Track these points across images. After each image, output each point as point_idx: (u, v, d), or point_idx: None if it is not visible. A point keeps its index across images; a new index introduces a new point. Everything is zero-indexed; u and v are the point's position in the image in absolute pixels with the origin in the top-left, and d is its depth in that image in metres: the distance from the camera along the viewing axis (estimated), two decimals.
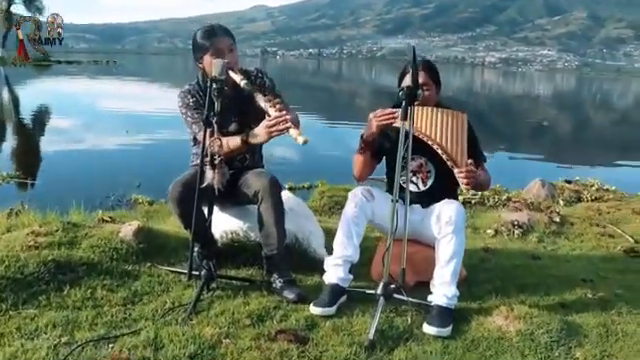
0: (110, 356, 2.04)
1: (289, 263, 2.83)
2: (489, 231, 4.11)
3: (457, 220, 2.53)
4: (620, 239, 4.18)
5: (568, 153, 12.80)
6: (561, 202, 5.08)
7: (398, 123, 2.50)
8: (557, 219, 4.35)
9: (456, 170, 2.56)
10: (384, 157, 2.91)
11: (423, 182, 2.84)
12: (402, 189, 2.60)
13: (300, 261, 3.05)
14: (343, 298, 2.62)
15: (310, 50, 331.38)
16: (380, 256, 2.87)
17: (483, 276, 3.13)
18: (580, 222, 4.45)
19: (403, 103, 2.41)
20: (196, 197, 2.51)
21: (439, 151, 2.57)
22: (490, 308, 2.64)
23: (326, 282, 2.65)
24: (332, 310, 2.51)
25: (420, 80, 2.68)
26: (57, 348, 2.07)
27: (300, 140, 2.30)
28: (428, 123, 2.58)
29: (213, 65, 2.51)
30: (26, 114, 14.54)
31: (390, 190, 2.89)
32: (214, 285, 2.67)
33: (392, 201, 2.43)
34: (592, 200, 5.20)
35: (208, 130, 2.47)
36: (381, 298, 2.45)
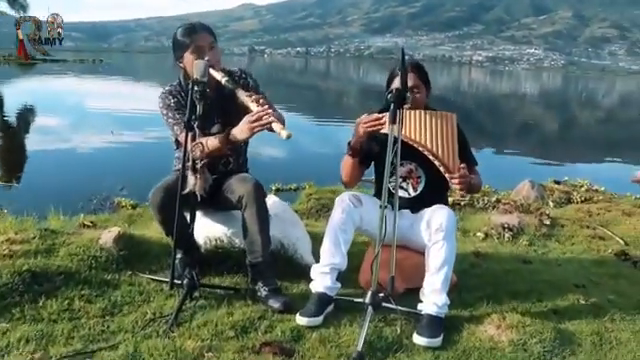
0: None
1: (274, 271, 2.74)
2: (479, 234, 4.04)
3: (448, 226, 2.46)
4: (611, 241, 4.13)
5: (555, 151, 12.80)
6: (551, 203, 5.04)
7: (386, 129, 2.42)
8: (547, 221, 4.29)
9: (449, 176, 2.48)
10: (373, 162, 2.83)
11: (413, 188, 2.76)
12: (391, 194, 2.52)
13: (286, 268, 2.96)
14: (330, 307, 2.54)
15: (298, 49, 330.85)
16: (368, 263, 2.80)
17: (474, 282, 3.06)
18: (570, 224, 4.40)
19: (391, 106, 2.33)
20: (177, 204, 2.42)
21: (430, 157, 2.50)
22: (482, 316, 2.57)
23: (313, 291, 2.57)
24: (319, 320, 2.43)
25: (410, 82, 2.60)
26: None
27: (284, 134, 2.23)
28: (418, 128, 2.50)
29: (195, 66, 2.41)
30: (7, 113, 14.28)
31: (378, 195, 2.81)
32: (197, 294, 2.58)
33: (380, 207, 2.35)
34: (582, 201, 5.16)
35: (189, 134, 2.37)
36: (369, 307, 2.36)
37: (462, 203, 4.70)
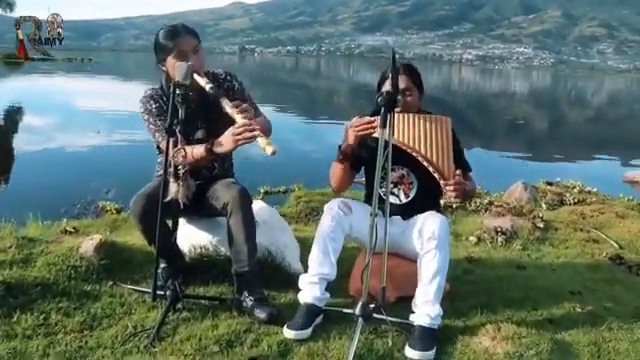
0: None
1: (261, 280, 2.64)
2: (472, 238, 3.96)
3: (440, 235, 2.37)
4: (605, 245, 4.07)
5: (545, 149, 12.80)
6: (544, 206, 4.97)
7: (377, 133, 2.33)
8: (541, 225, 4.22)
9: (443, 182, 2.39)
10: (363, 167, 2.73)
11: (405, 194, 2.67)
12: (382, 201, 2.42)
13: (274, 276, 2.86)
14: (319, 319, 2.44)
15: (288, 47, 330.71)
16: (359, 270, 2.71)
17: (467, 289, 2.98)
18: (564, 227, 4.33)
19: (382, 110, 2.23)
20: (159, 212, 2.31)
21: (425, 163, 2.40)
22: (476, 327, 2.49)
23: (301, 302, 2.47)
24: (307, 333, 2.34)
25: (401, 85, 2.51)
26: None
27: (268, 150, 2.11)
28: (410, 132, 2.41)
29: (176, 69, 2.30)
30: None
31: (369, 201, 2.72)
32: (180, 306, 2.48)
33: (371, 215, 2.25)
34: (575, 203, 5.10)
35: (171, 140, 2.26)
36: (360, 319, 2.27)
37: (454, 206, 4.61)
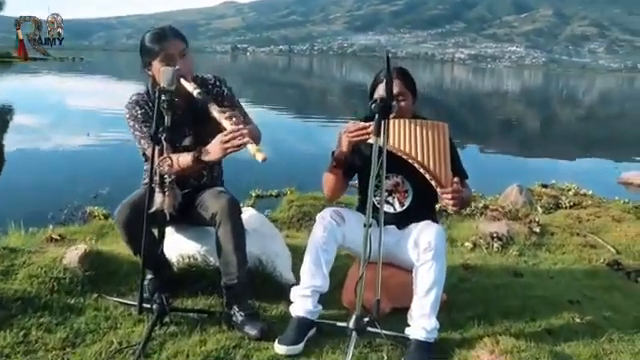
0: None
1: (252, 292, 2.56)
2: (467, 244, 3.89)
3: (437, 245, 2.29)
4: (602, 250, 4.02)
5: (538, 149, 12.79)
6: (539, 209, 4.91)
7: (372, 139, 2.25)
8: (537, 229, 4.16)
9: (441, 190, 2.30)
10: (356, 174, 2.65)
11: (400, 202, 2.58)
12: (376, 210, 2.33)
13: (264, 286, 2.78)
14: (311, 332, 2.36)
15: (280, 47, 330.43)
16: (352, 281, 2.62)
17: (464, 298, 2.90)
18: (561, 232, 4.27)
19: (376, 116, 2.15)
20: (145, 223, 2.21)
21: (421, 170, 2.31)
22: (473, 339, 2.41)
23: (293, 315, 2.39)
24: (299, 348, 2.25)
25: (395, 90, 2.42)
26: None
27: (259, 157, 2.03)
28: (406, 138, 2.32)
29: (162, 73, 2.21)
30: None
31: (362, 209, 2.64)
32: (167, 319, 2.38)
33: (365, 226, 2.17)
34: (571, 207, 5.04)
35: (157, 148, 2.17)
36: (353, 333, 2.18)
37: (449, 210, 4.53)
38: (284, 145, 9.89)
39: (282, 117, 15.48)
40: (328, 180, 2.51)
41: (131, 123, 2.47)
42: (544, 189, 5.64)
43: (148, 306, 2.36)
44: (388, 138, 2.22)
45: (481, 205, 4.82)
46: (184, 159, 2.30)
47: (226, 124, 2.16)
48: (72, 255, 2.73)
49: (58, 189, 5.98)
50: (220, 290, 2.55)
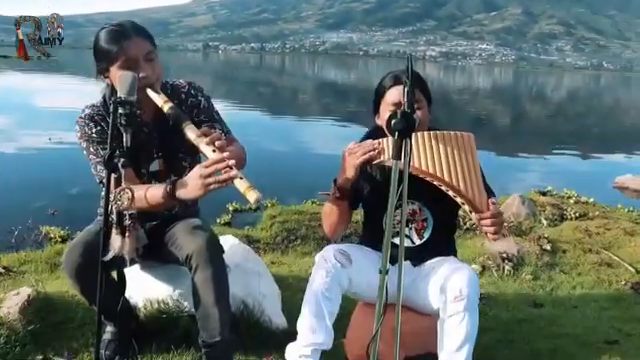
0: None
1: (237, 348, 2.08)
2: (475, 267, 3.47)
3: (470, 294, 1.84)
4: (619, 269, 3.65)
5: (532, 148, 12.50)
6: (544, 222, 4.52)
7: (388, 161, 1.79)
8: (547, 246, 3.77)
9: (477, 216, 1.85)
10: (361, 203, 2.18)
11: (418, 234, 2.12)
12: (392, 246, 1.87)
13: (250, 333, 2.31)
14: None
15: (252, 44, 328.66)
16: (356, 330, 2.18)
17: (486, 340, 2.46)
18: (572, 248, 3.88)
19: (396, 135, 1.67)
20: (99, 273, 1.71)
21: (451, 193, 1.84)
22: None
23: None
24: None
25: (406, 97, 1.95)
26: None
27: (251, 197, 1.54)
28: (428, 156, 1.85)
29: (119, 80, 1.70)
30: None
31: (368, 243, 2.18)
32: None
33: (380, 272, 1.70)
34: (577, 218, 4.66)
35: (112, 177, 1.67)
36: None
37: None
38: (259, 146, 9.37)
39: (255, 115, 15.01)
40: (331, 214, 2.03)
41: (84, 144, 1.96)
42: (544, 197, 5.26)
43: None
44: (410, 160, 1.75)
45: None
46: (153, 194, 1.76)
47: (207, 151, 1.65)
48: (11, 303, 2.21)
49: (9, 205, 5.34)
50: (197, 342, 2.07)
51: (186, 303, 2.26)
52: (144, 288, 2.31)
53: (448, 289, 1.87)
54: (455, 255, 2.22)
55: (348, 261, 1.96)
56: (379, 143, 1.89)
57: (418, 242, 2.12)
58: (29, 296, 2.26)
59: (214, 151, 1.63)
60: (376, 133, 2.10)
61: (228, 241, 2.64)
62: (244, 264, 2.48)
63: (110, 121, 1.66)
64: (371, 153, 1.87)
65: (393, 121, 1.64)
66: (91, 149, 1.94)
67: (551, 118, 22.16)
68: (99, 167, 1.92)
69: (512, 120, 20.58)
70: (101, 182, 2.03)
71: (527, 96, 37.86)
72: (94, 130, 1.93)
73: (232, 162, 1.58)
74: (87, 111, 1.97)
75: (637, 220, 4.69)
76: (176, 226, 2.06)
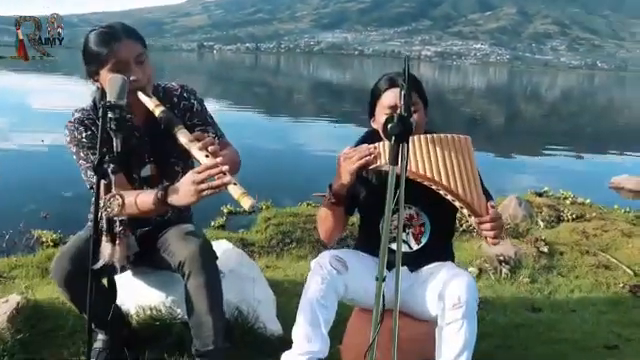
0: None
1: (231, 355, 2.03)
2: (472, 270, 3.44)
3: (468, 300, 1.80)
4: (617, 271, 3.63)
5: (526, 147, 12.50)
6: (541, 223, 4.50)
7: (385, 166, 1.75)
8: (545, 249, 3.76)
9: (477, 220, 1.81)
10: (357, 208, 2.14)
11: (415, 239, 2.09)
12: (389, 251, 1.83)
13: (245, 340, 2.27)
14: None
15: (247, 45, 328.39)
16: (353, 336, 2.15)
17: (483, 347, 2.41)
18: (569, 250, 3.86)
19: (392, 140, 1.63)
20: (89, 281, 1.66)
21: (449, 197, 1.81)
22: None
23: None
24: None
25: (402, 100, 1.91)
26: None
27: (245, 204, 1.50)
28: (425, 160, 1.82)
29: (109, 83, 1.66)
30: None
31: (364, 248, 2.14)
32: None
33: (377, 279, 1.66)
34: (573, 219, 4.64)
35: (102, 183, 1.62)
36: None
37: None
38: (254, 146, 9.33)
39: (250, 115, 14.95)
40: (326, 220, 1.99)
41: (73, 149, 1.91)
42: (540, 198, 5.24)
43: None
44: (407, 164, 1.71)
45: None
46: (143, 200, 1.72)
47: (199, 156, 1.61)
48: (1, 311, 2.16)
49: (2, 208, 5.26)
50: (191, 350, 2.02)
51: (179, 310, 2.22)
52: (136, 295, 2.27)
53: (446, 296, 1.83)
54: (453, 260, 2.18)
55: (344, 267, 1.92)
56: (375, 147, 1.86)
57: (416, 247, 2.08)
58: (18, 304, 2.21)
59: (207, 156, 1.59)
60: (372, 136, 2.06)
61: (222, 246, 2.60)
62: (238, 269, 2.44)
63: (100, 127, 1.62)
64: (367, 158, 1.83)
65: (390, 125, 1.59)
66: (81, 154, 1.89)
67: (546, 118, 22.20)
68: (89, 172, 1.88)
69: (507, 120, 20.60)
70: (91, 188, 1.98)
71: (522, 96, 37.93)
72: (84, 135, 1.89)
73: (225, 168, 1.54)
74: (76, 115, 1.92)
75: (634, 221, 4.67)
76: (168, 232, 2.02)
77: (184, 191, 1.60)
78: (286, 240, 3.97)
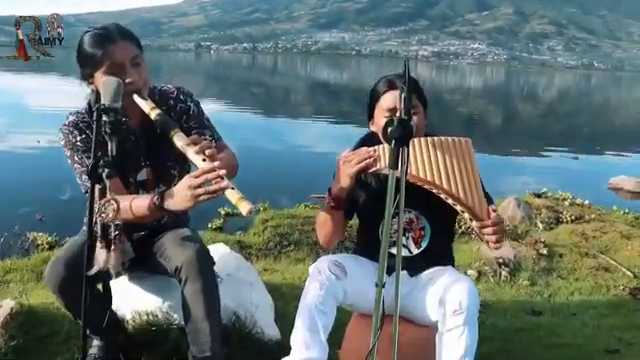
0: None
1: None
2: (471, 272, 3.42)
3: (469, 306, 1.77)
4: (617, 273, 3.61)
5: (523, 147, 12.50)
6: (540, 225, 4.48)
7: (385, 169, 1.73)
8: (544, 251, 3.73)
9: (479, 224, 1.78)
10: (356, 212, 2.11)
11: (416, 243, 2.06)
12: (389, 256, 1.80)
13: (242, 346, 2.24)
14: None
15: (244, 44, 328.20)
16: (352, 341, 2.11)
17: (484, 351, 2.37)
18: (569, 252, 3.85)
19: (392, 144, 1.60)
20: (84, 288, 1.63)
21: (450, 201, 1.78)
22: None
23: None
24: None
25: (401, 102, 1.89)
26: None
27: (243, 209, 1.47)
28: (426, 163, 1.79)
29: (103, 86, 1.63)
30: None
31: (363, 252, 2.11)
32: None
33: (377, 285, 1.63)
34: (572, 221, 4.62)
35: (97, 188, 1.59)
36: None
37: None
38: (251, 146, 9.30)
39: (248, 116, 14.92)
40: (325, 224, 1.95)
41: (68, 153, 1.88)
42: (539, 200, 5.22)
43: None
44: (408, 167, 1.69)
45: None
46: (138, 204, 1.68)
47: (196, 160, 1.58)
48: None
49: None
50: (188, 356, 1.99)
51: (176, 315, 2.19)
52: (132, 299, 2.24)
53: (447, 302, 1.80)
54: (453, 264, 2.15)
55: (343, 273, 1.89)
56: (375, 150, 1.83)
57: (416, 251, 2.05)
58: (12, 309, 2.18)
59: (204, 160, 1.56)
60: (371, 139, 2.04)
61: (219, 250, 2.57)
62: (236, 274, 2.40)
63: (95, 130, 1.59)
64: (367, 161, 1.80)
65: (390, 129, 1.56)
66: (76, 158, 1.86)
67: (543, 117, 22.22)
68: (84, 177, 1.84)
69: (504, 120, 20.61)
70: (87, 192, 1.96)
71: (519, 96, 37.98)
72: (78, 138, 1.86)
73: (223, 172, 1.51)
74: (71, 118, 1.89)
75: (633, 223, 4.66)
76: (165, 236, 1.99)
77: (180, 196, 1.57)
78: (284, 242, 3.94)
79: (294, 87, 34.49)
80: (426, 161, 1.81)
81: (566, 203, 5.22)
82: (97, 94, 1.78)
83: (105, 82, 1.62)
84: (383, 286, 1.62)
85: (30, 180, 6.78)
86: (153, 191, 1.89)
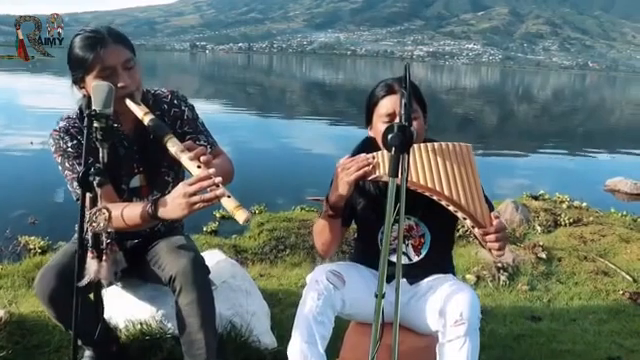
0: None
1: None
2: (470, 277, 3.38)
3: (470, 317, 1.73)
4: (616, 277, 3.58)
5: (522, 147, 12.49)
6: (538, 228, 4.45)
7: (384, 176, 1.68)
8: (543, 255, 3.69)
9: (481, 231, 1.74)
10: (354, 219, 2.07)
11: (415, 250, 2.01)
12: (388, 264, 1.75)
13: (238, 355, 2.19)
14: None
15: (240, 44, 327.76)
16: (352, 353, 2.06)
17: (482, 358, 2.36)
18: (567, 256, 3.81)
19: (392, 151, 1.55)
20: (75, 297, 1.58)
21: (451, 208, 1.73)
22: None
23: None
24: None
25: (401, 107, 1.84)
26: None
27: (240, 218, 1.42)
28: (426, 170, 1.74)
29: (93, 90, 1.57)
30: None
31: (362, 260, 2.07)
32: None
33: (376, 296, 1.59)
34: (571, 224, 4.59)
35: (88, 196, 1.54)
36: None
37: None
38: (247, 147, 9.24)
39: (243, 116, 14.86)
40: (323, 232, 1.90)
41: (59, 159, 1.82)
42: (537, 202, 5.19)
43: None
44: (408, 175, 1.64)
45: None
46: (131, 213, 1.63)
47: (191, 167, 1.53)
48: None
49: None
50: None
51: (170, 324, 2.14)
52: (125, 308, 2.19)
53: (448, 312, 1.76)
54: (453, 271, 2.11)
55: (341, 282, 1.84)
56: (373, 157, 1.77)
57: (415, 259, 2.00)
58: (1, 319, 2.12)
59: (199, 167, 1.51)
60: (369, 145, 1.99)
61: (214, 256, 2.52)
62: (231, 281, 2.35)
63: (85, 136, 1.54)
64: (366, 168, 1.75)
65: (389, 136, 1.52)
66: (67, 164, 1.81)
67: (538, 118, 22.24)
68: (75, 184, 1.79)
69: (499, 120, 20.62)
70: (78, 199, 1.90)
71: (514, 95, 38.03)
72: (69, 144, 1.80)
73: (219, 179, 1.46)
74: (62, 124, 1.84)
75: (631, 226, 4.63)
76: (159, 244, 1.94)
77: (175, 204, 1.52)
78: (280, 246, 3.89)
79: (290, 87, 34.42)
80: (426, 168, 1.76)
81: (564, 205, 5.19)
82: (88, 99, 1.73)
83: (96, 87, 1.57)
84: (383, 296, 1.58)
85: (23, 182, 6.69)
86: (146, 198, 1.85)
